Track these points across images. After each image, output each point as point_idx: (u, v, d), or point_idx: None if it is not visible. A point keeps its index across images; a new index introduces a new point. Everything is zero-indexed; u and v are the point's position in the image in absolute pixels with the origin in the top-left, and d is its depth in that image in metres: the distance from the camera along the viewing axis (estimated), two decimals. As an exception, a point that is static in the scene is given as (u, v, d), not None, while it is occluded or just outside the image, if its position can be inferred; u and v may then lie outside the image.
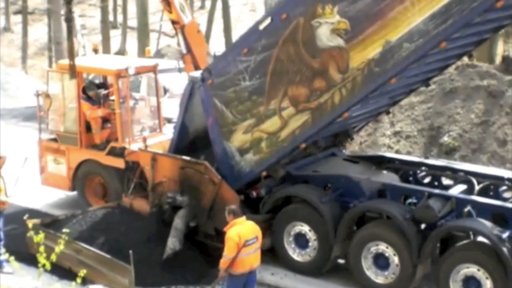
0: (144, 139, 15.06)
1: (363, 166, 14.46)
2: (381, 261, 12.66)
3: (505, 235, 11.49)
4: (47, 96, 16.54)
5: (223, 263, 11.10)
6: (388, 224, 12.70)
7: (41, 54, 47.44)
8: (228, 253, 11.05)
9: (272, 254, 13.61)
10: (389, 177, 13.77)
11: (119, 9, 49.75)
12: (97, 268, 12.95)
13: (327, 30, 11.98)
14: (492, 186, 13.22)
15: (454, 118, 20.38)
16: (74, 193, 16.91)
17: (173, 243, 13.51)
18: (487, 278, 11.64)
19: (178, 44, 16.81)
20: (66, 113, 16.42)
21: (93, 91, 16.03)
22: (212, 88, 13.53)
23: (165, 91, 17.43)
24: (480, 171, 13.95)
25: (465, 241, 12.40)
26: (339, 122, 13.07)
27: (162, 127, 16.56)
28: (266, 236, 13.40)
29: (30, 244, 12.88)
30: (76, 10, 40.09)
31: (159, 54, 34.73)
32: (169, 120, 16.70)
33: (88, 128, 16.18)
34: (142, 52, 32.10)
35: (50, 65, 38.80)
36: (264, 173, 13.59)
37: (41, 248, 9.11)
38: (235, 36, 37.81)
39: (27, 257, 12.56)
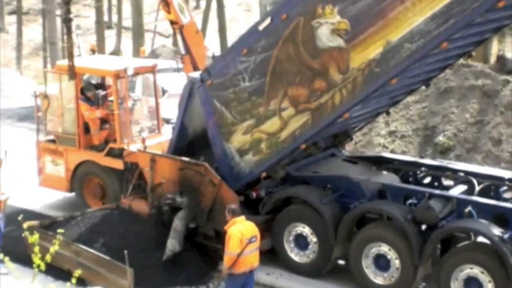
0: (143, 140, 15.01)
1: (363, 166, 14.43)
2: (381, 262, 12.63)
3: (506, 235, 11.46)
4: (45, 97, 16.47)
5: (228, 260, 11.01)
6: (389, 225, 12.67)
7: (35, 54, 47.35)
8: (232, 249, 10.97)
9: (268, 254, 13.52)
10: (389, 178, 13.75)
11: (114, 9, 49.72)
12: (97, 270, 12.90)
13: (327, 30, 11.95)
14: (493, 186, 13.19)
15: (449, 117, 20.41)
16: (71, 194, 16.86)
17: (172, 244, 13.46)
18: (488, 279, 11.61)
19: (173, 45, 16.78)
20: (64, 114, 16.34)
21: (92, 91, 15.97)
22: (212, 88, 13.48)
23: (164, 91, 17.34)
24: (480, 171, 13.92)
25: (466, 242, 12.38)
26: (339, 123, 13.03)
27: (160, 128, 16.50)
28: (266, 237, 13.38)
29: (28, 245, 12.82)
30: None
31: (154, 54, 34.69)
32: (167, 121, 16.65)
33: (86, 129, 16.11)
34: (137, 52, 32.07)
35: (45, 65, 38.70)
36: (264, 174, 13.55)
37: (36, 249, 9.06)
38: (230, 36, 37.83)
39: (24, 259, 12.50)
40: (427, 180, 14.09)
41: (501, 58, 22.68)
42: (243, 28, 43.95)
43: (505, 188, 13.19)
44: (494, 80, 20.83)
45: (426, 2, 10.95)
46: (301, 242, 13.46)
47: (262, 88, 12.83)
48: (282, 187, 13.81)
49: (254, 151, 13.23)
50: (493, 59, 24.22)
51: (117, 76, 15.52)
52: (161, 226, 14.01)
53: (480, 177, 13.42)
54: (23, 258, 12.58)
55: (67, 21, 14.94)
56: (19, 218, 12.24)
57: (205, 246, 14.08)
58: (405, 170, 14.33)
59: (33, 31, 49.70)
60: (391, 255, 12.47)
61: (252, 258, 11.22)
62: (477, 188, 13.12)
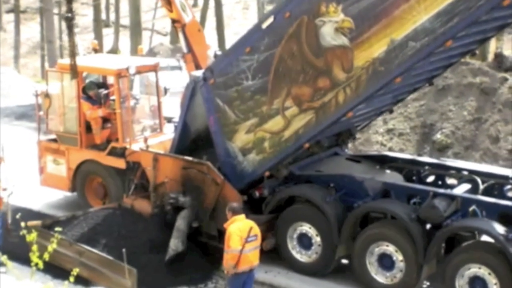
0: (146, 139, 14.95)
1: (366, 165, 14.40)
2: (385, 262, 12.59)
3: (511, 234, 11.41)
4: (46, 96, 16.41)
5: (231, 258, 10.96)
6: (393, 224, 12.63)
7: (33, 53, 47.29)
8: (234, 245, 10.93)
9: (267, 253, 13.44)
10: (393, 177, 13.72)
11: (112, 8, 49.72)
12: (100, 270, 12.85)
13: (331, 28, 11.88)
14: (497, 185, 13.16)
15: (446, 115, 20.42)
16: (73, 194, 16.79)
17: (175, 244, 13.42)
18: (493, 278, 11.58)
19: (171, 43, 16.71)
20: (66, 113, 16.28)
21: (93, 90, 15.91)
22: (214, 87, 13.42)
23: (166, 90, 17.28)
24: (484, 170, 13.90)
25: (471, 241, 12.35)
26: (343, 121, 12.98)
27: (163, 127, 16.44)
28: (269, 237, 13.35)
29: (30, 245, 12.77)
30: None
31: (151, 52, 34.70)
32: (169, 120, 16.59)
33: (88, 128, 16.05)
34: (134, 51, 32.06)
35: (42, 63, 38.64)
36: (267, 173, 13.52)
37: (34, 247, 9.02)
38: (228, 34, 37.81)
39: (25, 258, 12.43)
40: (431, 178, 14.07)
41: (499, 56, 22.65)
42: (241, 26, 44.11)
43: (509, 186, 13.13)
44: (492, 77, 20.85)
45: (430, 0, 10.90)
46: (304, 241, 13.42)
47: (265, 87, 12.77)
48: (286, 186, 13.74)
49: (257, 150, 13.18)
50: (491, 56, 24.19)
51: (119, 75, 15.46)
52: (163, 225, 13.96)
53: (484, 175, 13.39)
54: (23, 257, 12.51)
55: (69, 20, 14.79)
56: (17, 216, 12.18)
57: (208, 246, 14.02)
58: (408, 168, 14.29)
59: (31, 30, 49.63)
60: (395, 254, 12.43)
61: (252, 256, 11.18)
62: (481, 187, 13.10)
